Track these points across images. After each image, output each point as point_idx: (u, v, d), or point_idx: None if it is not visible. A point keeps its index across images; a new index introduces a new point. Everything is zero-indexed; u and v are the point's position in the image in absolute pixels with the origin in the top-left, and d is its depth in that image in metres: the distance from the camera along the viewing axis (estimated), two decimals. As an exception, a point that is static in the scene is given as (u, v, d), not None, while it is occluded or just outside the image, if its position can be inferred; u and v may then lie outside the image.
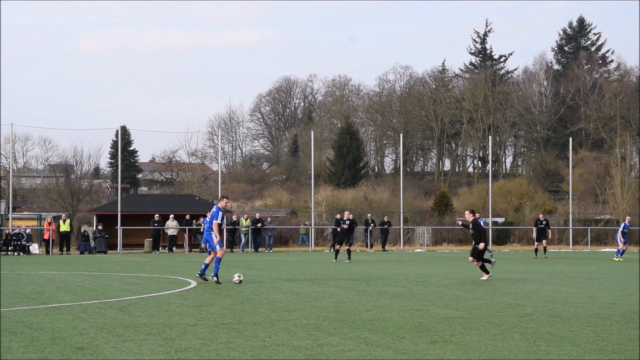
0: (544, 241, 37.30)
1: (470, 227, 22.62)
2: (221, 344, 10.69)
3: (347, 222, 33.43)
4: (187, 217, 45.01)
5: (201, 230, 34.71)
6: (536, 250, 37.79)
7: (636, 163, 75.82)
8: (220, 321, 12.97)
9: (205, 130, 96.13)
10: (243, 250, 44.97)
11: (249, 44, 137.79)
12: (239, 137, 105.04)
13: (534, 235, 37.77)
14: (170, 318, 13.27)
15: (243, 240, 45.75)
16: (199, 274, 20.53)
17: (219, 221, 20.45)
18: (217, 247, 20.42)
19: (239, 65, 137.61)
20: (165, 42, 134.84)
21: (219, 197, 21.32)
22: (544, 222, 37.74)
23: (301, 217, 59.21)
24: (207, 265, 20.54)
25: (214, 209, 20.68)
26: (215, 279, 20.20)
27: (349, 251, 33.05)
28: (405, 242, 50.48)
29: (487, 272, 22.18)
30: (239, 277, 19.99)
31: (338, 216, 39.77)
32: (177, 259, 33.40)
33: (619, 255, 35.65)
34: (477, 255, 22.18)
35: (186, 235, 44.57)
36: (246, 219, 46.19)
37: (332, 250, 34.44)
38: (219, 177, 53.45)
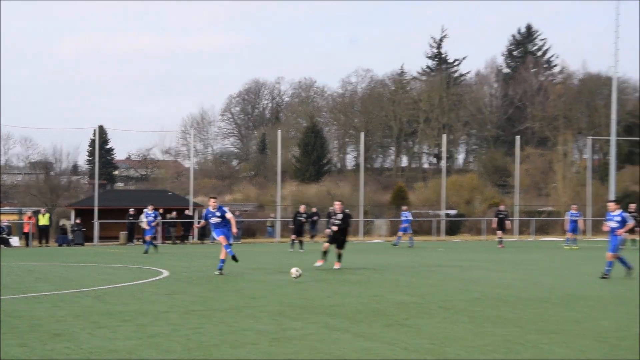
0: (500, 232, 37.20)
1: (341, 217, 21.74)
2: (191, 329, 10.71)
3: (304, 215, 33.81)
4: (161, 211, 44.70)
5: (143, 222, 34.27)
6: (500, 240, 37.51)
7: (577, 159, 76.69)
8: (190, 308, 12.97)
9: (179, 129, 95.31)
10: (212, 242, 44.81)
11: (221, 47, 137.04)
12: (210, 136, 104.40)
13: (495, 225, 37.61)
14: (143, 305, 13.25)
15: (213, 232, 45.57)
16: (218, 271, 19.76)
17: (202, 221, 21.02)
18: (215, 236, 20.57)
19: (211, 68, 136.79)
20: (141, 46, 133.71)
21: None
22: (505, 213, 37.82)
23: (268, 211, 59.14)
24: (223, 261, 19.90)
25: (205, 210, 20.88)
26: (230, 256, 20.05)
27: (300, 242, 33.49)
28: (365, 233, 50.66)
29: (323, 259, 21.62)
30: (298, 272, 17.97)
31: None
32: (150, 251, 33.23)
33: (572, 244, 35.70)
34: (342, 243, 21.78)
35: (160, 228, 44.28)
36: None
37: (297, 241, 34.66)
38: (191, 174, 53.25)
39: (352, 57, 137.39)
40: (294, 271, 17.96)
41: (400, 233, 38.71)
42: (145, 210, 34.40)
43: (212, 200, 20.61)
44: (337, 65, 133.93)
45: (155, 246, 33.26)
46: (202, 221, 21.17)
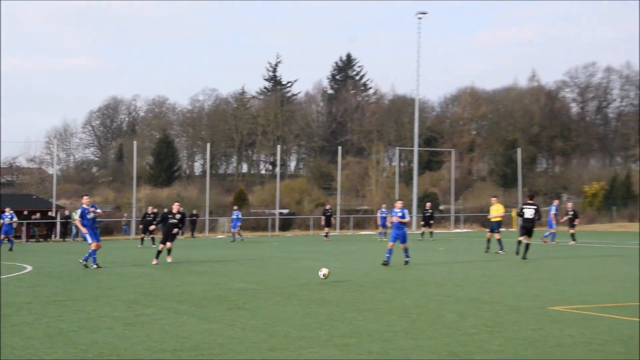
0: (326, 228, 37.80)
1: (179, 217, 21.08)
2: (52, 317, 10.26)
3: (152, 215, 33.01)
4: (25, 212, 42.48)
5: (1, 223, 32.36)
6: (326, 234, 37.92)
7: (387, 166, 79.44)
8: (52, 299, 12.41)
9: (43, 139, 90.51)
10: (74, 240, 43.01)
11: (83, 68, 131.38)
12: (72, 146, 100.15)
13: (323, 222, 38.09)
14: (7, 298, 12.53)
15: (74, 231, 43.70)
16: (84, 261, 19.07)
17: (78, 217, 19.65)
18: (88, 240, 19.15)
19: (74, 85, 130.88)
20: (10, 64, 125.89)
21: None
22: (330, 211, 38.57)
23: (124, 211, 57.40)
24: (90, 254, 19.05)
25: (80, 209, 19.68)
26: (94, 266, 18.86)
27: (152, 239, 32.67)
28: (210, 230, 50.18)
29: (157, 259, 20.69)
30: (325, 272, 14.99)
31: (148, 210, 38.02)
32: (15, 248, 31.43)
33: (382, 237, 36.63)
34: (173, 238, 21.12)
35: (24, 228, 41.99)
36: (76, 214, 44.10)
37: (148, 238, 33.76)
38: (54, 179, 50.93)
39: (200, 78, 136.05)
40: (324, 272, 14.93)
41: (233, 230, 38.67)
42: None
43: (86, 198, 19.98)
44: (186, 84, 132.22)
45: (1, 244, 31.38)
46: (77, 219, 19.96)
